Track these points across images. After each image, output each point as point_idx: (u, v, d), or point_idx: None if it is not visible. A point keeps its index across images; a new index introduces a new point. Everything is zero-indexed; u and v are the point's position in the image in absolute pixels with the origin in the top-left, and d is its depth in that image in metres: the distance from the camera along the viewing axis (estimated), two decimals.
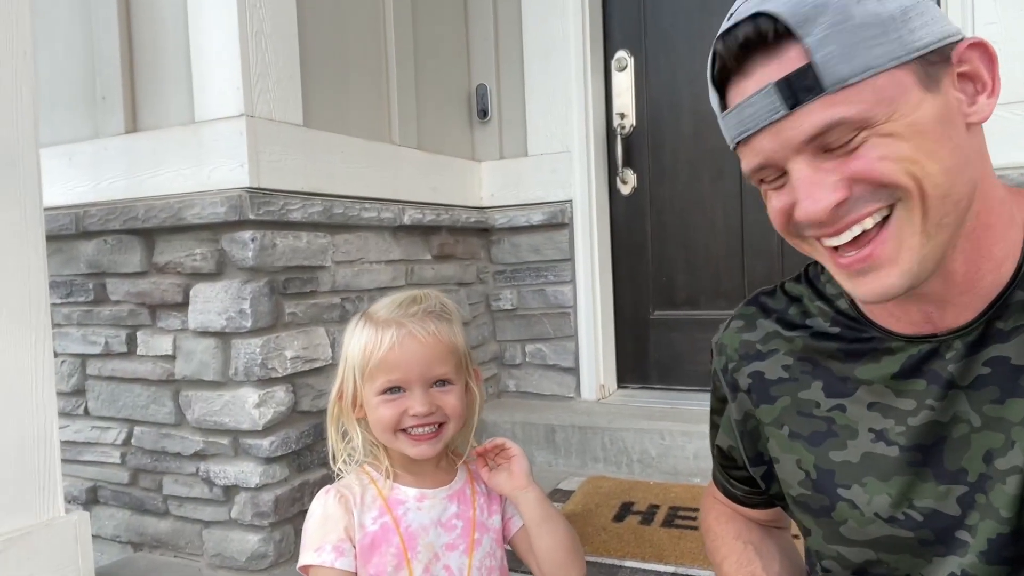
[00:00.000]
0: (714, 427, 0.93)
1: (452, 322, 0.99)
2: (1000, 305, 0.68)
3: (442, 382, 0.95)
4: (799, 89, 0.61)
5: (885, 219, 0.64)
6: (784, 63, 0.62)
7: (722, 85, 0.68)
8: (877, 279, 0.65)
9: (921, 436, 0.70)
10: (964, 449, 0.68)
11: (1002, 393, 0.66)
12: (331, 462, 1.01)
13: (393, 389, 0.93)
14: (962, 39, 0.64)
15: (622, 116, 2.70)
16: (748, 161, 0.68)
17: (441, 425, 0.95)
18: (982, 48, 0.64)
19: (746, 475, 0.89)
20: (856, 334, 0.76)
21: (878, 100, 0.60)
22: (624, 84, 2.72)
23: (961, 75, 0.64)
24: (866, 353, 0.75)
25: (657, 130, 2.70)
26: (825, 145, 0.62)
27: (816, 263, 0.83)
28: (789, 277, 0.86)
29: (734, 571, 0.90)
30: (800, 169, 0.64)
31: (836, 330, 0.78)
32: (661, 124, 2.69)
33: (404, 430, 0.94)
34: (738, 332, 0.86)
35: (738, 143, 0.68)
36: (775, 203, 0.68)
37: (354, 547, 0.92)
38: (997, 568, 0.66)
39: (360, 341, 0.96)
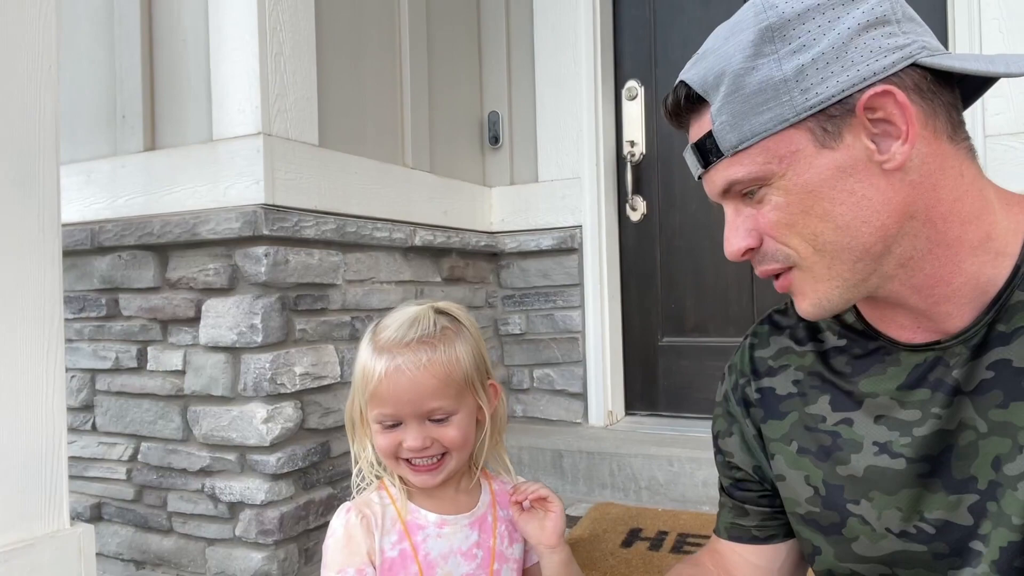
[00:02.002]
0: (724, 453, 0.90)
1: (455, 342, 0.94)
2: (999, 307, 0.67)
3: (438, 417, 0.92)
4: (706, 152, 0.70)
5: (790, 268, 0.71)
6: (702, 124, 0.71)
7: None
8: (798, 303, 0.72)
9: (928, 446, 0.70)
10: (972, 456, 0.67)
11: (1006, 397, 0.66)
12: (353, 472, 0.99)
13: (388, 421, 0.92)
14: (871, 85, 0.63)
15: (632, 144, 2.73)
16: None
17: (443, 455, 0.93)
18: (891, 96, 0.64)
19: (766, 497, 0.86)
20: (863, 346, 0.76)
21: (770, 159, 0.66)
22: (634, 113, 2.75)
23: (875, 120, 0.65)
24: (872, 365, 0.75)
25: (667, 158, 2.72)
26: (740, 195, 0.70)
27: None
28: None
29: None
30: (727, 211, 0.73)
31: (843, 343, 0.78)
32: (671, 152, 2.72)
33: (404, 459, 0.92)
34: (750, 349, 0.86)
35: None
36: None
37: (375, 570, 0.91)
38: None
39: (361, 360, 0.94)
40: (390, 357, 0.91)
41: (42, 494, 1.49)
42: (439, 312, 0.98)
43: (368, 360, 0.93)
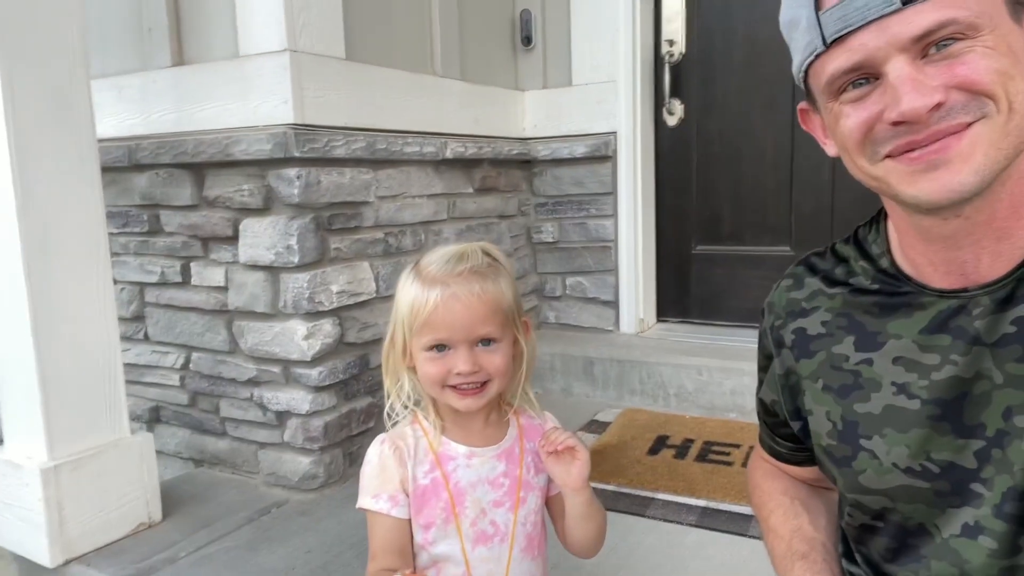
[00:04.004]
0: (760, 384, 0.95)
1: (499, 277, 0.99)
2: None
3: (487, 341, 0.96)
4: None
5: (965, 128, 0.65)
6: None
7: None
8: (947, 173, 0.65)
9: (942, 390, 0.72)
10: (984, 405, 0.70)
11: None
12: (386, 408, 1.04)
13: (438, 347, 0.95)
14: None
15: (671, 43, 2.61)
16: (842, 61, 0.67)
17: (485, 382, 0.97)
18: None
19: (790, 432, 0.91)
20: (894, 290, 0.78)
21: (982, 12, 0.62)
22: (675, 8, 2.61)
23: None
24: (899, 308, 0.77)
25: (707, 58, 2.60)
26: (927, 50, 0.64)
27: (866, 224, 0.84)
28: (840, 239, 0.87)
29: (780, 524, 0.92)
30: (901, 68, 0.64)
31: (875, 287, 0.80)
32: (712, 52, 2.59)
33: (451, 385, 0.96)
34: (787, 291, 0.88)
35: (834, 42, 0.67)
36: (855, 117, 0.68)
37: (408, 498, 0.97)
38: (1001, 523, 0.69)
39: (408, 296, 0.97)
40: (444, 286, 0.95)
41: (102, 406, 1.60)
42: (483, 251, 1.01)
43: (418, 293, 0.96)
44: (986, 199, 0.67)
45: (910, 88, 0.63)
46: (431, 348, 0.95)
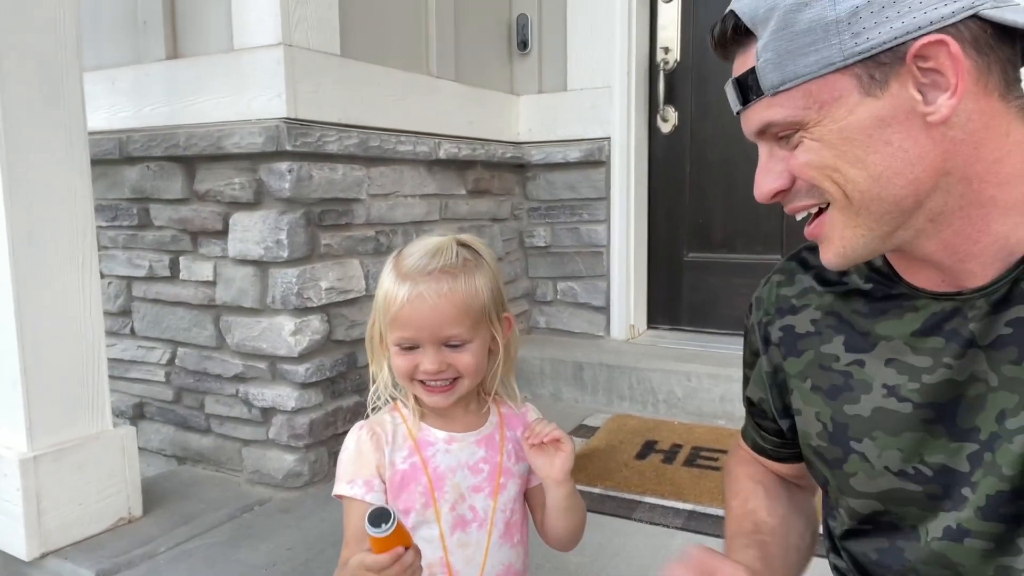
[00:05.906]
0: (746, 380, 0.94)
1: (475, 274, 0.97)
2: None
3: (454, 344, 0.94)
4: (746, 89, 0.68)
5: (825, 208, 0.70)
6: (746, 59, 0.69)
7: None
8: (823, 251, 0.72)
9: (936, 394, 0.71)
10: (979, 408, 0.69)
11: (1020, 354, 0.66)
12: (370, 393, 1.03)
13: (407, 344, 0.94)
14: (925, 35, 0.60)
15: (666, 51, 2.62)
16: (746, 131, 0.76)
17: (455, 379, 0.96)
18: (945, 47, 0.60)
19: (776, 428, 0.90)
20: (885, 290, 0.77)
21: (808, 105, 0.65)
22: (670, 16, 2.63)
23: (925, 70, 0.62)
24: (891, 309, 0.75)
25: (702, 66, 2.62)
26: (776, 137, 0.69)
27: None
28: None
29: (737, 506, 0.91)
30: (761, 152, 0.72)
31: (868, 286, 0.79)
32: (707, 59, 2.61)
33: (420, 380, 0.96)
34: (777, 287, 0.87)
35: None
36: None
37: (384, 483, 0.96)
38: (994, 524, 0.68)
39: (384, 287, 0.97)
40: (413, 284, 0.94)
41: (85, 398, 1.58)
42: (461, 244, 0.99)
43: (391, 286, 0.95)
44: (918, 239, 0.68)
45: (758, 176, 0.71)
46: (400, 344, 0.95)
